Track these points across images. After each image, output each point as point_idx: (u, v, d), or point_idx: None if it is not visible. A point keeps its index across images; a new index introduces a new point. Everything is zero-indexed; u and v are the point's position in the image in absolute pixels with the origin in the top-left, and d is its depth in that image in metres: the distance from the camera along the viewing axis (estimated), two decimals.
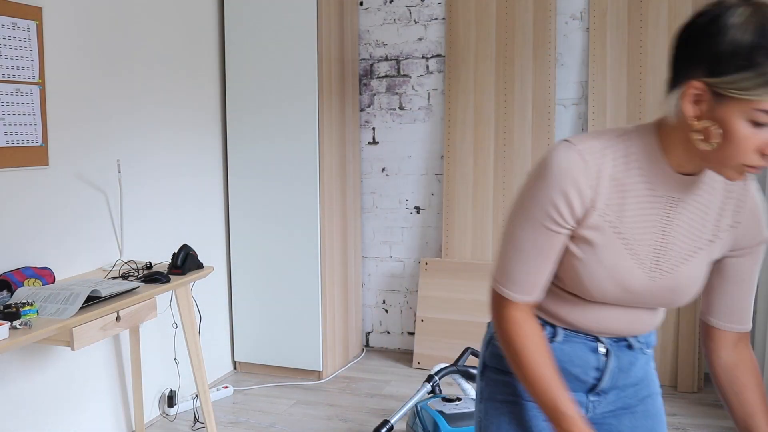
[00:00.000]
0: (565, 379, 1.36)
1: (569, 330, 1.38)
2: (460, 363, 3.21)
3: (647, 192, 1.25)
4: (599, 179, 1.23)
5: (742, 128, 1.09)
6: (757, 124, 1.09)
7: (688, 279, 1.31)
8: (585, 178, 1.23)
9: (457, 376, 3.19)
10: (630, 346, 1.40)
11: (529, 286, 1.30)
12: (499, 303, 1.34)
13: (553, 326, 1.38)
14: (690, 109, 1.13)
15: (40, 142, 2.69)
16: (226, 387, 3.73)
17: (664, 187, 1.25)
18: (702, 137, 1.14)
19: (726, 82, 1.08)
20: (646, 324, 1.38)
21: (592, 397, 1.41)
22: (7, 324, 2.09)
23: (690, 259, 1.30)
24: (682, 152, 1.21)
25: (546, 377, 1.27)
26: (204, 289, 3.70)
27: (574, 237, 1.28)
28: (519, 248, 1.28)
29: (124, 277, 2.80)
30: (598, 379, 1.39)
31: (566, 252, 1.30)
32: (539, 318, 1.38)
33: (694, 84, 1.11)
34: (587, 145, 1.24)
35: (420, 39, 4.21)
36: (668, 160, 1.23)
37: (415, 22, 4.21)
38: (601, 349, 1.38)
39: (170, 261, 2.93)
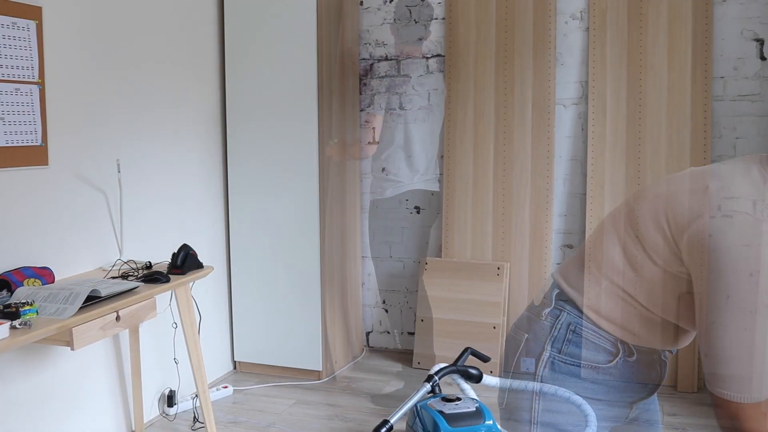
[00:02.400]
0: (629, 393, 1.44)
1: (641, 347, 1.43)
2: (459, 363, 3.20)
3: None
4: None
5: None
6: None
7: None
8: None
9: (456, 376, 3.18)
10: None
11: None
12: (755, 414, 1.21)
13: (626, 344, 1.42)
14: None
15: (40, 142, 2.69)
16: (226, 387, 3.73)
17: None
18: None
19: None
20: None
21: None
22: (7, 324, 2.09)
23: None
24: None
25: None
26: (204, 289, 3.69)
27: None
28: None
29: (124, 276, 2.80)
30: (652, 390, 1.50)
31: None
32: (613, 337, 1.41)
33: None
34: None
35: (420, 39, 4.21)
36: None
37: (416, 22, 4.21)
38: (663, 359, 1.47)
39: (170, 261, 2.93)
